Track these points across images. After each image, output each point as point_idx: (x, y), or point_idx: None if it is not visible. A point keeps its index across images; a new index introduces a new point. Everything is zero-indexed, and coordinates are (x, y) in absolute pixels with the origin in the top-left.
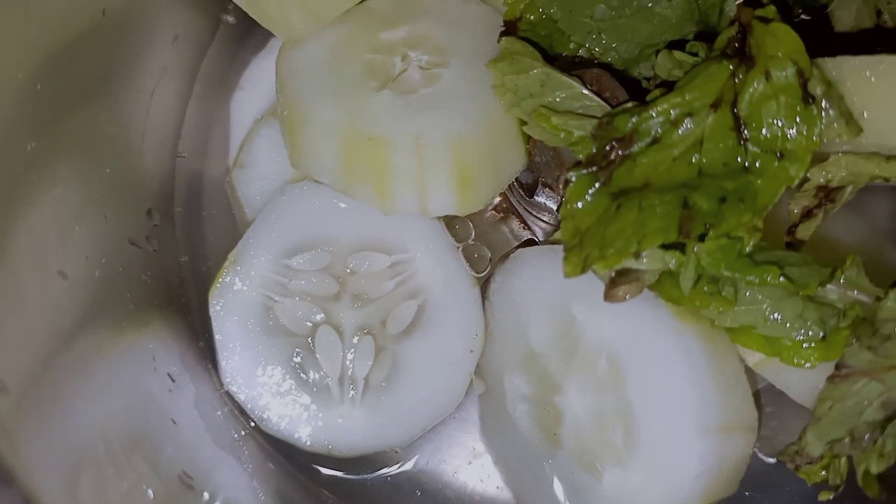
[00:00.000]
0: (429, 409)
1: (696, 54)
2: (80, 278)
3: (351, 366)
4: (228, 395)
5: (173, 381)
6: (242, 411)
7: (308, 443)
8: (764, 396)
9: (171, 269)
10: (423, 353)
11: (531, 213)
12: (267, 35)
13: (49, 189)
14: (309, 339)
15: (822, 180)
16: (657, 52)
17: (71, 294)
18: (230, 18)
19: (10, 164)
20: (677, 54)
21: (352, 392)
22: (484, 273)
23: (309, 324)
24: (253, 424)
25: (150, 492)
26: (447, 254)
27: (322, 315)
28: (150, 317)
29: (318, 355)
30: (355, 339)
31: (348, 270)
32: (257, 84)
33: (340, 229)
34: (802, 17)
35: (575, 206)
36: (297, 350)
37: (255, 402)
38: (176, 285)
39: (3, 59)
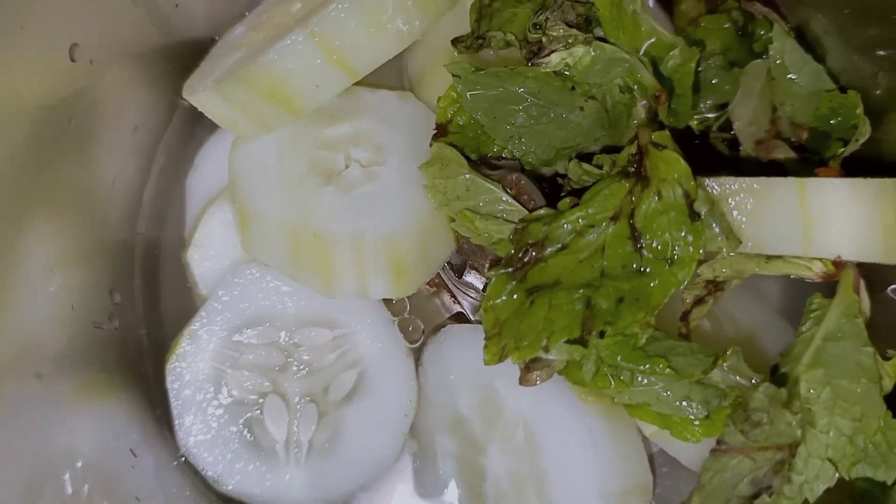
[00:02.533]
0: (366, 467)
1: (601, 167)
2: (44, 355)
3: (296, 430)
4: (185, 460)
5: (135, 456)
6: (198, 474)
7: (258, 501)
8: (659, 458)
9: (131, 342)
10: (362, 418)
11: (460, 290)
12: None
13: (19, 272)
14: (257, 407)
15: (710, 275)
16: (570, 157)
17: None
18: (185, 102)
19: None
20: (585, 166)
21: (296, 454)
22: (418, 342)
23: (257, 394)
24: (207, 486)
25: None
26: (384, 328)
27: (269, 384)
28: (111, 387)
29: (266, 421)
30: (300, 406)
31: (294, 343)
32: (211, 163)
33: (286, 307)
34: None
35: (495, 301)
36: (247, 417)
37: (210, 466)
38: (135, 357)
39: None
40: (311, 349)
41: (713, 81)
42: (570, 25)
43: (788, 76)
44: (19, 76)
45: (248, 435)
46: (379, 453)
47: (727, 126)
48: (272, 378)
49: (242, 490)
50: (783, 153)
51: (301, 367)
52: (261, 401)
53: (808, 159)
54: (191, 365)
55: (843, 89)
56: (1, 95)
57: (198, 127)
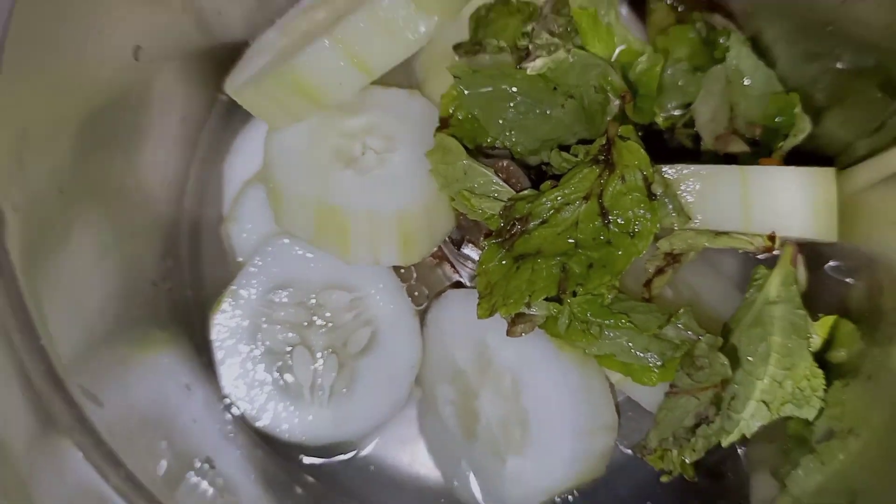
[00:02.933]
0: (379, 410)
1: (577, 156)
2: (107, 311)
3: (320, 377)
4: (227, 398)
5: (189, 389)
6: (238, 411)
7: (287, 435)
8: (625, 405)
9: (180, 301)
10: (375, 368)
11: (459, 261)
12: None
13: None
14: (287, 356)
15: (668, 248)
16: (552, 147)
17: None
18: (223, 97)
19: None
20: (564, 154)
21: (320, 396)
22: (423, 306)
23: (287, 345)
24: (245, 421)
25: (164, 463)
26: (394, 293)
27: (297, 338)
28: (164, 339)
29: (294, 368)
30: (323, 357)
31: (318, 304)
32: (245, 150)
33: (311, 273)
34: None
35: (487, 266)
36: (279, 364)
37: (247, 404)
38: (183, 313)
39: (50, 116)
40: (333, 309)
41: (679, 83)
42: (552, 35)
43: (743, 80)
44: (93, 71)
45: (280, 380)
46: (389, 399)
47: (691, 123)
48: (300, 332)
49: (274, 425)
50: (738, 147)
51: (324, 323)
52: (290, 351)
53: (758, 152)
54: (232, 319)
55: (789, 91)
56: (76, 87)
57: (233, 118)
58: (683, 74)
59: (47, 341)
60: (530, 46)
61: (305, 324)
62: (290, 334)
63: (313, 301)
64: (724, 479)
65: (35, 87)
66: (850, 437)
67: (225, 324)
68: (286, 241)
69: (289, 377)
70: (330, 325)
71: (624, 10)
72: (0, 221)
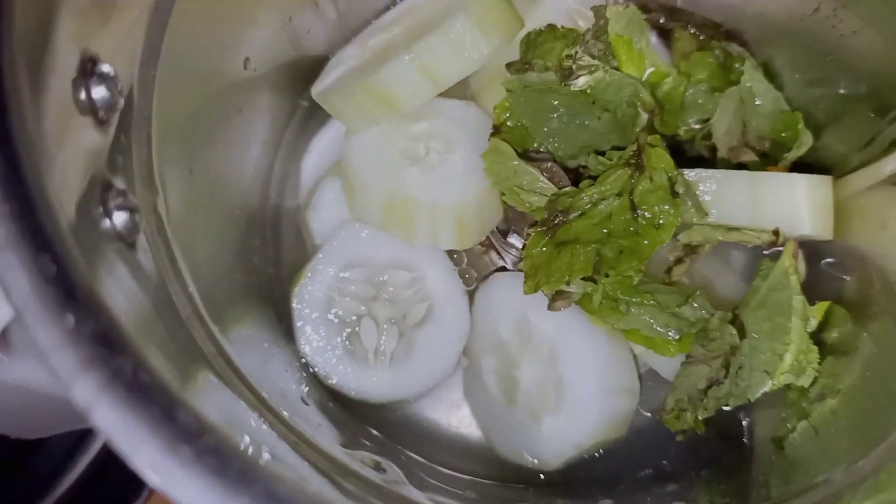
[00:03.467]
0: (432, 374)
1: (611, 160)
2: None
3: (382, 344)
4: (304, 361)
5: (277, 346)
6: (313, 372)
7: (353, 393)
8: (646, 377)
9: (264, 276)
10: (430, 338)
11: (504, 249)
12: (328, 116)
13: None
14: (356, 325)
15: (687, 240)
16: (590, 152)
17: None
18: (304, 103)
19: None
20: (600, 158)
21: (382, 361)
22: (472, 287)
23: (356, 315)
24: (318, 380)
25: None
26: (448, 274)
27: (365, 309)
28: (249, 309)
29: (361, 336)
30: (385, 327)
31: (383, 281)
32: (320, 150)
33: (379, 254)
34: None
35: (533, 251)
36: (348, 332)
37: (320, 365)
38: (265, 287)
39: (185, 111)
40: (395, 286)
41: (699, 102)
42: (593, 57)
43: (755, 100)
44: (215, 77)
45: (349, 345)
46: (441, 365)
47: (709, 135)
48: (367, 305)
49: (343, 384)
50: (748, 157)
51: (387, 298)
52: (357, 320)
53: (767, 162)
54: (311, 291)
55: (794, 110)
56: (204, 90)
57: (310, 122)
58: (703, 94)
59: (193, 290)
60: (573, 66)
61: (371, 298)
62: (359, 306)
63: (379, 279)
64: (731, 443)
65: (178, 89)
66: (832, 397)
67: (304, 295)
68: (357, 227)
69: (356, 343)
70: (392, 299)
71: (653, 38)
72: (154, 190)
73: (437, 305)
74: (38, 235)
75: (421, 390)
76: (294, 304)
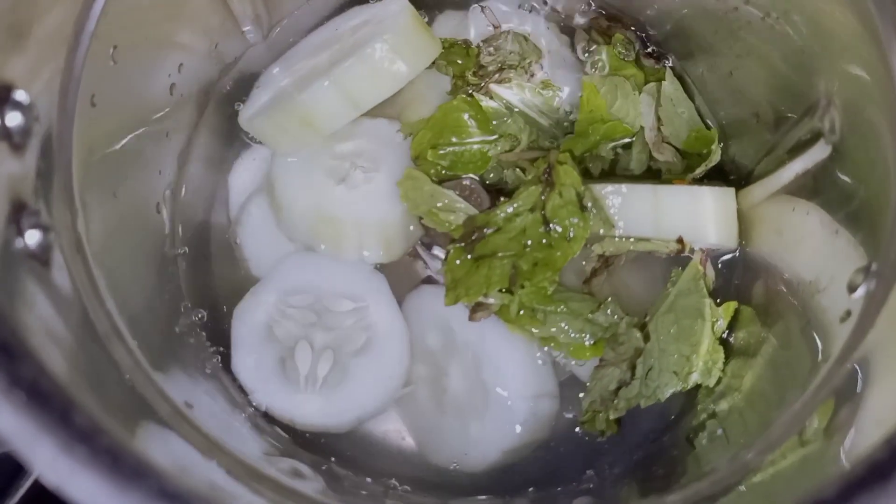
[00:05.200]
0: (364, 406)
1: (526, 174)
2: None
3: (315, 368)
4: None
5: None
6: (242, 390)
7: (278, 413)
8: (569, 381)
9: (191, 290)
10: (365, 369)
11: (429, 259)
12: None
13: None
14: (292, 349)
15: (601, 251)
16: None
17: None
18: (232, 122)
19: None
20: (518, 173)
21: (313, 385)
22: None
23: (293, 339)
24: (248, 399)
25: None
26: (390, 306)
27: (302, 334)
28: (171, 324)
29: (295, 359)
30: (321, 352)
31: (325, 307)
32: (248, 167)
33: (324, 282)
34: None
35: (453, 265)
36: (282, 355)
37: (251, 384)
38: (193, 300)
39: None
40: (336, 314)
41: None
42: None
43: (676, 108)
44: (138, 105)
45: (281, 367)
46: (375, 397)
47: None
48: (305, 330)
49: (272, 404)
50: (670, 155)
51: (327, 325)
52: (294, 345)
53: (687, 166)
54: (250, 311)
55: (707, 126)
56: (131, 112)
57: (237, 140)
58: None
59: (111, 307)
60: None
61: (311, 323)
62: (297, 330)
63: (322, 305)
64: (646, 442)
65: (101, 116)
66: (735, 395)
67: (243, 314)
68: (305, 256)
69: (290, 366)
70: (332, 326)
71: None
72: (74, 212)
73: (377, 337)
74: None
75: (351, 420)
76: (233, 321)
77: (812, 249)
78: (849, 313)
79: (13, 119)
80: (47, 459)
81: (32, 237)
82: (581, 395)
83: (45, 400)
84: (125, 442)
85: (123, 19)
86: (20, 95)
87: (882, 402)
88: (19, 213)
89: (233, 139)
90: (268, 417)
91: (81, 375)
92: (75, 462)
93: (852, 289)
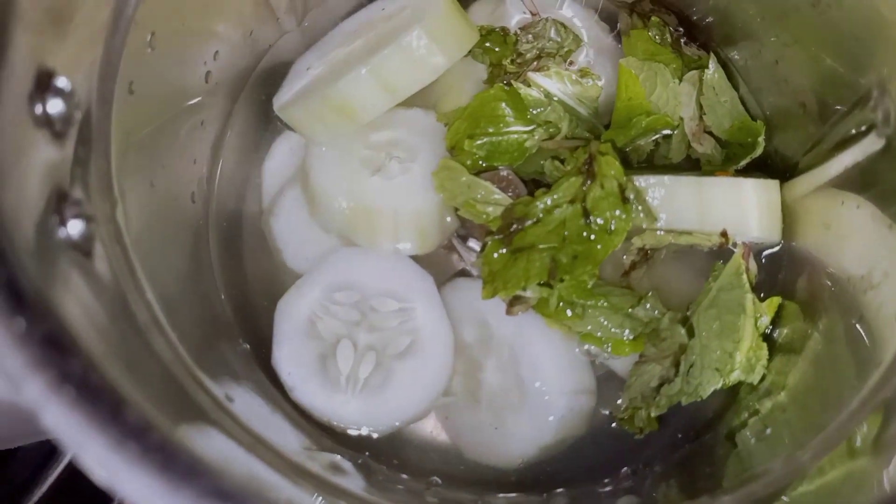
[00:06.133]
0: (405, 411)
1: (566, 165)
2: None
3: (357, 369)
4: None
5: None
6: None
7: (317, 413)
8: (604, 376)
9: (223, 280)
10: (408, 373)
11: (465, 252)
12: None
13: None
14: (334, 346)
15: (640, 244)
16: (548, 158)
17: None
18: (266, 110)
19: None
20: (557, 164)
21: (353, 386)
22: None
23: (336, 337)
24: (285, 393)
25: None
26: (437, 309)
27: (345, 332)
28: (206, 313)
29: (337, 358)
30: (363, 353)
31: (370, 307)
32: (282, 155)
33: (370, 281)
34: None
35: (490, 257)
36: (324, 352)
37: (290, 379)
38: (225, 290)
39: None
40: (381, 314)
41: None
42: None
43: (718, 96)
44: (174, 93)
45: (322, 365)
46: (416, 402)
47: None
48: (348, 328)
49: (311, 403)
50: (710, 146)
51: (371, 324)
52: (336, 342)
53: (728, 156)
54: (295, 305)
55: (753, 118)
56: (168, 101)
57: (270, 128)
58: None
59: (150, 297)
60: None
61: (354, 322)
62: (340, 328)
63: (367, 304)
64: (685, 439)
65: (138, 104)
66: (779, 392)
67: (287, 308)
68: (353, 251)
69: (331, 364)
70: (376, 327)
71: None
72: (113, 201)
73: (422, 341)
74: None
75: (389, 425)
76: (276, 315)
77: (863, 244)
78: None
79: (54, 106)
80: (98, 456)
81: (75, 227)
82: (619, 391)
83: (96, 396)
84: (175, 438)
85: (161, 5)
86: (61, 82)
87: None
88: (62, 203)
89: (266, 126)
90: (304, 413)
91: (127, 369)
92: (127, 459)
93: None
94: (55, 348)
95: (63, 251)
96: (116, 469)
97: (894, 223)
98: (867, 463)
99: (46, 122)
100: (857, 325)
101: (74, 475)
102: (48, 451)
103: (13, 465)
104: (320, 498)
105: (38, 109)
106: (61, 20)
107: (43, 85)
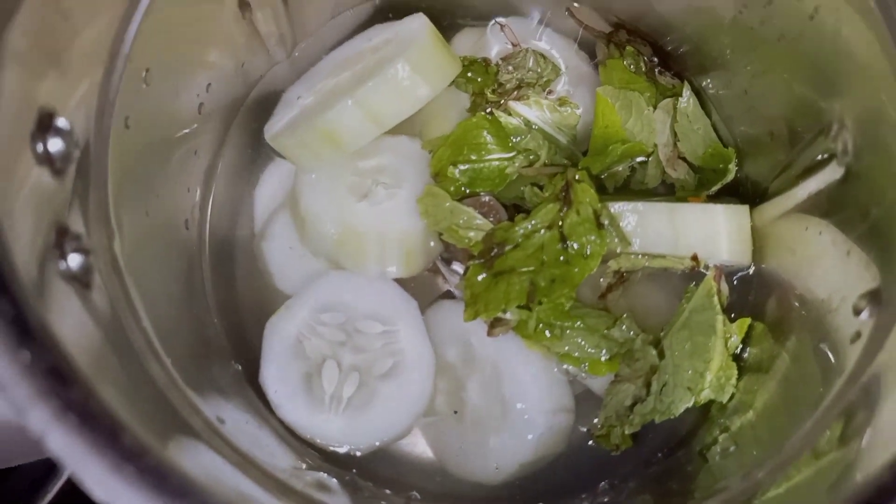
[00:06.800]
0: (386, 430)
1: (544, 191)
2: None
3: (341, 389)
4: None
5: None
6: (268, 404)
7: (301, 430)
8: (581, 394)
9: (214, 304)
10: (390, 394)
11: (449, 274)
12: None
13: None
14: (319, 366)
15: (616, 267)
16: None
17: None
18: (256, 138)
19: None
20: (536, 190)
21: (336, 405)
22: None
23: (321, 357)
24: (271, 409)
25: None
26: (420, 333)
27: (330, 353)
28: (199, 337)
29: (322, 377)
30: (347, 373)
31: (355, 328)
32: (273, 181)
33: (356, 303)
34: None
35: (472, 280)
36: (309, 371)
37: (276, 396)
38: (217, 314)
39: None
40: (366, 336)
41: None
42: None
43: (692, 124)
44: (168, 125)
45: (307, 384)
46: (397, 423)
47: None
48: (334, 349)
49: (295, 421)
50: (683, 171)
51: (356, 346)
52: (321, 362)
53: (700, 181)
54: (282, 325)
55: (725, 144)
56: (161, 131)
57: (261, 155)
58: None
59: (146, 324)
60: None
61: (339, 343)
62: (326, 349)
63: (352, 326)
64: (658, 456)
65: (134, 137)
66: (748, 411)
67: (276, 327)
68: (342, 274)
69: (315, 383)
70: (361, 348)
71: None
72: (111, 233)
73: (404, 363)
74: None
75: (371, 444)
76: (265, 333)
77: (824, 269)
78: (859, 334)
79: (55, 145)
80: (98, 478)
81: (74, 260)
82: (596, 409)
83: (95, 422)
84: (169, 460)
85: (156, 41)
86: (61, 122)
87: (891, 424)
88: (62, 237)
89: (258, 154)
90: (291, 431)
91: (123, 394)
92: (124, 481)
93: (857, 311)
94: (58, 379)
95: (64, 284)
96: (115, 490)
97: (853, 248)
98: (834, 458)
99: (47, 159)
100: (823, 346)
101: (74, 491)
102: (48, 466)
103: (13, 479)
104: None
105: (40, 148)
106: (59, 60)
107: (44, 125)
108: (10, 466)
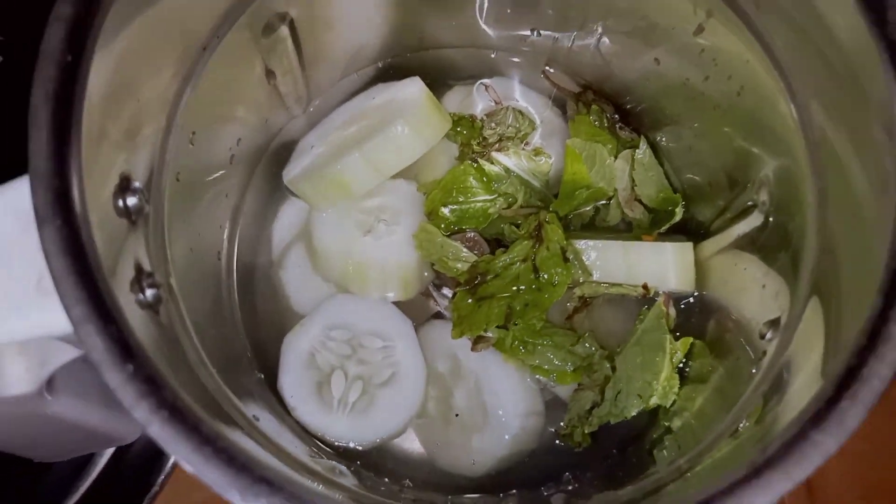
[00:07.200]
0: (383, 430)
1: (520, 230)
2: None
3: (347, 395)
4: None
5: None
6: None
7: (312, 429)
8: (553, 401)
9: (241, 324)
10: (388, 400)
11: (439, 298)
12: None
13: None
14: (329, 376)
15: (580, 293)
16: (507, 223)
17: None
18: (275, 181)
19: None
20: (513, 228)
21: (343, 408)
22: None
23: (329, 368)
24: (288, 411)
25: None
26: (414, 348)
27: (338, 364)
28: (233, 353)
29: (331, 385)
30: (352, 382)
31: (359, 343)
32: (288, 217)
33: (360, 322)
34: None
35: (459, 304)
36: (320, 380)
37: (292, 401)
38: (244, 333)
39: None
40: (368, 350)
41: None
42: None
43: (647, 171)
44: (206, 173)
45: (318, 391)
46: (393, 423)
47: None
48: (341, 361)
49: (308, 421)
50: (639, 212)
51: (360, 358)
52: (331, 372)
53: (654, 220)
54: (298, 340)
55: (675, 189)
56: (193, 185)
57: (277, 195)
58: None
59: (196, 342)
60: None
61: (346, 355)
62: (334, 361)
63: (357, 341)
64: (614, 453)
65: (180, 186)
66: (685, 413)
67: (293, 342)
68: (347, 297)
69: (325, 391)
70: (364, 360)
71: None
72: (168, 270)
73: (400, 373)
74: (105, 312)
75: (372, 440)
76: (283, 348)
77: (748, 298)
78: (764, 353)
79: (131, 201)
80: (186, 456)
81: (149, 293)
82: (563, 412)
83: (181, 415)
84: (235, 444)
85: (200, 109)
86: (136, 184)
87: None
88: (139, 275)
89: (276, 194)
90: (305, 429)
91: (190, 396)
92: (204, 458)
93: (762, 336)
94: (153, 384)
95: (142, 311)
96: (198, 464)
97: (768, 283)
98: (748, 435)
99: (125, 213)
100: (746, 359)
101: (103, 488)
102: (80, 464)
103: (49, 476)
104: (321, 486)
105: (120, 204)
106: (133, 135)
107: (123, 186)
108: (46, 463)
